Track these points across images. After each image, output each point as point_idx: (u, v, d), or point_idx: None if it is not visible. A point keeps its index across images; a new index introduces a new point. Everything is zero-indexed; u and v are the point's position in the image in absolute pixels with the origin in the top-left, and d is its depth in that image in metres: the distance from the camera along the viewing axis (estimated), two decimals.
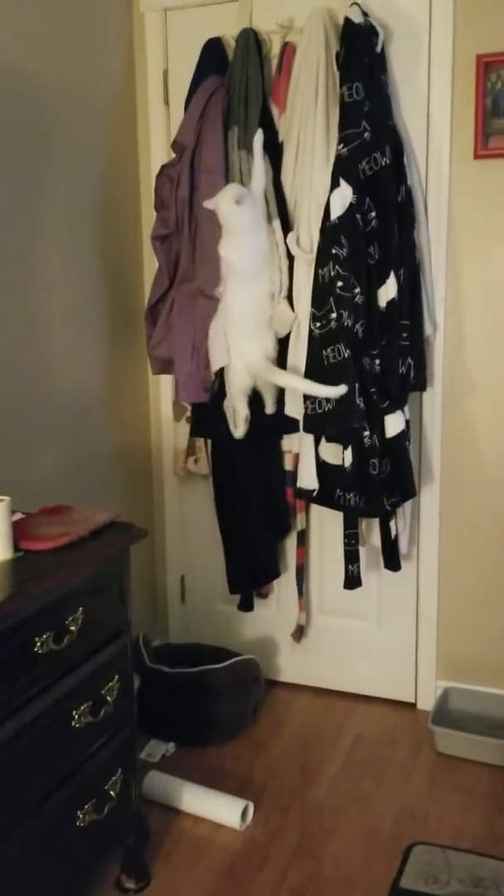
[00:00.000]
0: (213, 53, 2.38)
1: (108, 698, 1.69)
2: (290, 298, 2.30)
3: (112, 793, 1.73)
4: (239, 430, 2.32)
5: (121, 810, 1.77)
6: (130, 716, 1.81)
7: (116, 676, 1.73)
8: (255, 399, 2.41)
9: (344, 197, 2.12)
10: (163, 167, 2.37)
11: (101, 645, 1.68)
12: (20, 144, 2.11)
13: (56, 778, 1.57)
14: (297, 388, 2.24)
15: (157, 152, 2.61)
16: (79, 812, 1.63)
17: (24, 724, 1.46)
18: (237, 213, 2.14)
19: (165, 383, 2.71)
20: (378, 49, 2.21)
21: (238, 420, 2.32)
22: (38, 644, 1.47)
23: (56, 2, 2.22)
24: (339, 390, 2.13)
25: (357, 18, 2.16)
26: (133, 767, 1.83)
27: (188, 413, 2.57)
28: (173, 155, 2.38)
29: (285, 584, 2.70)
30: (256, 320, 2.25)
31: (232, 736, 2.46)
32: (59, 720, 1.56)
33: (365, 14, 2.19)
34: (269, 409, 2.34)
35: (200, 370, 2.33)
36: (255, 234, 2.19)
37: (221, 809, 2.10)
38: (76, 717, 1.60)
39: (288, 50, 2.34)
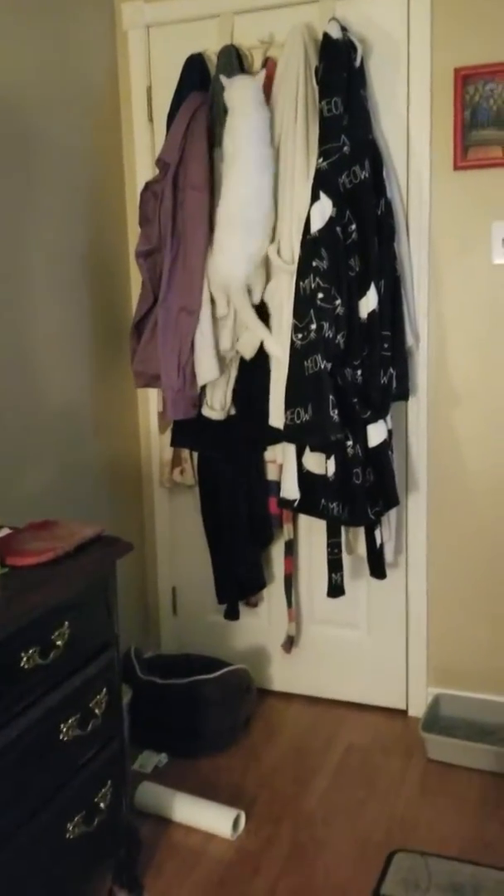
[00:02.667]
0: (194, 70, 2.42)
1: (97, 711, 1.71)
2: (266, 311, 2.32)
3: (102, 805, 1.75)
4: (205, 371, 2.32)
5: (111, 822, 1.78)
6: (119, 728, 1.82)
7: (104, 689, 1.74)
8: (239, 407, 2.44)
9: (324, 210, 2.15)
10: (147, 184, 2.39)
11: (89, 658, 1.70)
12: (3, 162, 2.13)
13: (45, 791, 1.58)
14: (252, 330, 2.29)
15: (141, 169, 2.63)
16: (68, 825, 1.64)
17: (11, 739, 1.47)
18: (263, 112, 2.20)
19: (153, 395, 2.73)
20: (357, 64, 2.24)
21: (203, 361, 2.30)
22: (24, 659, 1.49)
23: (39, 21, 2.25)
24: (281, 349, 2.24)
25: (335, 34, 2.19)
26: (123, 779, 1.85)
27: (172, 424, 2.58)
28: (158, 171, 2.41)
29: (275, 594, 2.72)
30: (247, 220, 2.20)
31: (224, 746, 2.48)
32: (46, 734, 1.57)
33: (344, 29, 2.22)
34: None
35: (187, 387, 2.35)
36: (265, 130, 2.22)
37: (213, 819, 2.11)
38: (64, 730, 1.61)
39: (269, 65, 2.36)
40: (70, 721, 1.63)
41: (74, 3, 2.40)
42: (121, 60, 2.61)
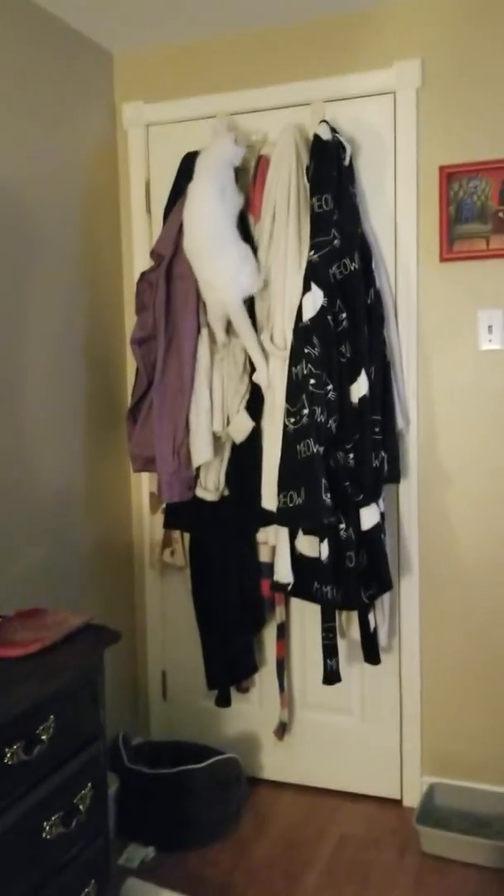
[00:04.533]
0: (191, 166, 2.51)
1: (81, 807, 1.66)
2: (260, 395, 2.36)
3: None
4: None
5: None
6: (105, 824, 1.77)
7: (89, 784, 1.70)
8: (231, 480, 2.45)
9: (315, 300, 2.21)
10: (143, 273, 2.47)
11: (74, 752, 1.66)
12: (6, 252, 2.20)
13: (26, 890, 1.53)
14: (244, 340, 2.32)
15: (139, 259, 2.71)
16: None
17: None
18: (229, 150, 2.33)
19: (145, 477, 2.75)
20: (346, 162, 2.34)
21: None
22: (8, 755, 1.46)
23: (42, 118, 2.35)
24: (268, 377, 2.32)
25: (326, 135, 2.30)
26: (107, 878, 1.78)
27: (164, 505, 2.60)
28: (153, 262, 2.48)
29: (267, 679, 2.68)
30: (221, 238, 2.27)
31: (213, 838, 2.40)
32: (29, 832, 1.53)
33: (333, 130, 2.32)
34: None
35: (182, 469, 2.37)
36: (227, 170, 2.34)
37: None
38: (47, 828, 1.57)
39: (262, 162, 2.46)
40: (54, 818, 1.58)
41: (78, 102, 2.52)
42: (121, 156, 2.72)
